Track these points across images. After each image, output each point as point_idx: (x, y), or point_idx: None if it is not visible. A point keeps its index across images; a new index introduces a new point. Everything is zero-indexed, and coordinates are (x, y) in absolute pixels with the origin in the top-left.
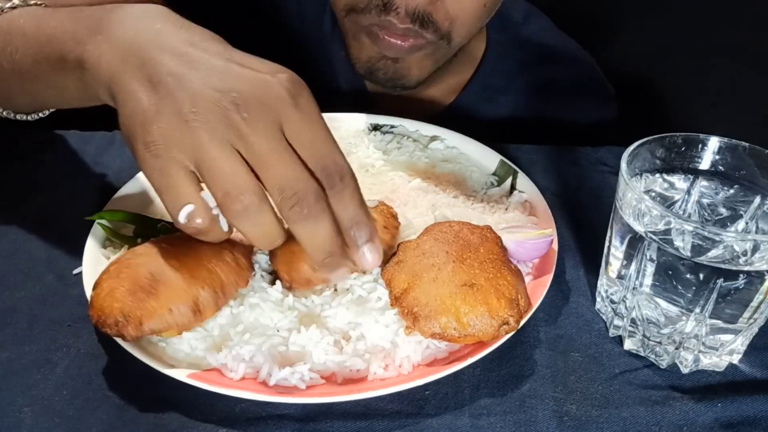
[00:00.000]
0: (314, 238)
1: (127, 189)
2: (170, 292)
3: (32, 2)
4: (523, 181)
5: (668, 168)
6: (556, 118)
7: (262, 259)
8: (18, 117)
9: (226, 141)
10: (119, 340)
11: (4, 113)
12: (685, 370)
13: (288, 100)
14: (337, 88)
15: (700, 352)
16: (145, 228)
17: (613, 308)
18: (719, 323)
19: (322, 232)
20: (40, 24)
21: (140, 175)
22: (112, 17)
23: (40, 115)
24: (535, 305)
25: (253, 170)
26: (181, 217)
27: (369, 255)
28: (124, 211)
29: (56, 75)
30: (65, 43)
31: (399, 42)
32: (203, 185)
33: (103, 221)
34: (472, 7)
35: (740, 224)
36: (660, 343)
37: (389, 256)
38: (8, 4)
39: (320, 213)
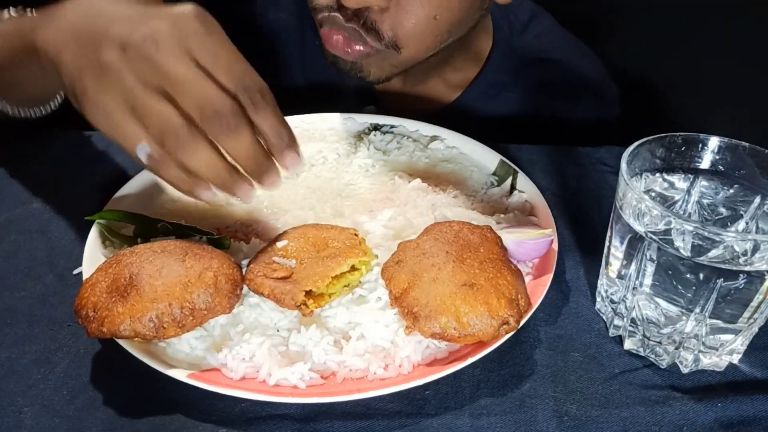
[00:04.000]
0: (239, 148)
1: (127, 189)
2: (137, 300)
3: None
4: (523, 181)
5: (668, 168)
6: (560, 115)
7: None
8: (22, 113)
9: (145, 79)
10: (119, 341)
11: (9, 110)
12: (685, 370)
13: (198, 29)
14: (342, 82)
15: (700, 352)
16: (145, 228)
17: (613, 308)
18: (719, 323)
19: (245, 141)
20: (16, 25)
21: (140, 175)
22: (61, 7)
23: (42, 111)
24: (535, 305)
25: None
26: (141, 156)
27: (289, 157)
28: (124, 211)
29: (23, 65)
30: (26, 35)
31: (344, 48)
32: None
33: (103, 221)
34: (420, 19)
35: (740, 224)
36: (660, 343)
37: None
38: (6, 16)
39: (240, 126)
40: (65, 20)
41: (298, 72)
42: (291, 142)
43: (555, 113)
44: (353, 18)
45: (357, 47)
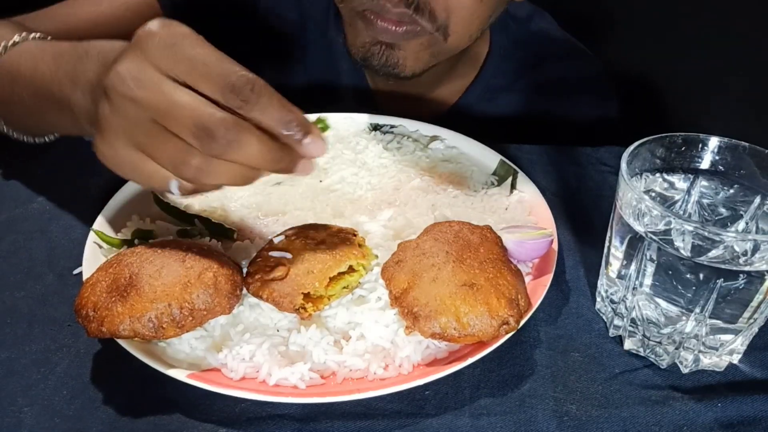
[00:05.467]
0: (247, 157)
1: (126, 189)
2: (137, 300)
3: (31, 36)
4: (523, 181)
5: (668, 168)
6: (558, 115)
7: None
8: (27, 139)
9: (137, 119)
10: (119, 341)
11: (20, 136)
12: (685, 370)
13: (162, 43)
14: (341, 89)
15: (700, 352)
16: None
17: (613, 308)
18: (719, 323)
19: (251, 149)
20: (35, 68)
21: None
22: (83, 68)
23: (46, 139)
24: (535, 305)
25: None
26: (173, 190)
27: (312, 145)
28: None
29: (53, 113)
30: (53, 91)
31: (393, 27)
32: None
33: (97, 228)
34: (469, 1)
35: (740, 224)
36: (660, 343)
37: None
38: (10, 42)
39: (239, 135)
40: (85, 76)
41: (300, 73)
42: (303, 128)
43: (554, 114)
44: (400, 3)
45: (404, 27)
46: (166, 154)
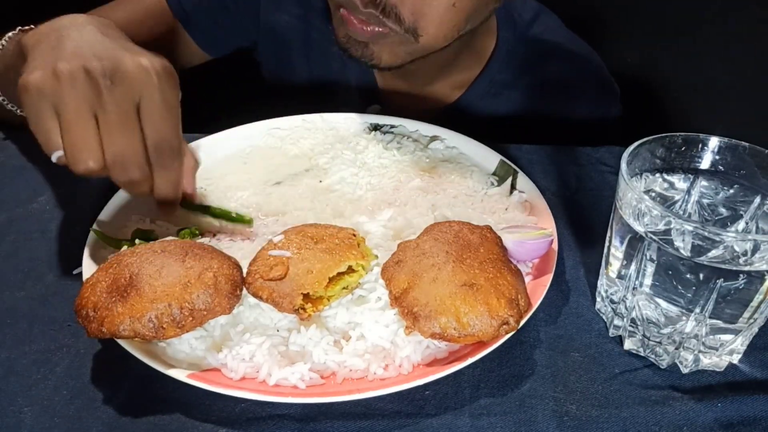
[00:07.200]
0: (132, 192)
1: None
2: (137, 300)
3: (27, 28)
4: (523, 181)
5: (668, 168)
6: (561, 114)
7: None
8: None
9: (86, 102)
10: (119, 341)
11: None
12: (685, 370)
13: (153, 82)
14: (346, 82)
15: (700, 352)
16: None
17: (613, 308)
18: (719, 323)
19: (136, 192)
20: (3, 54)
21: None
22: (56, 18)
23: None
24: (535, 305)
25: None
26: (54, 159)
27: (164, 212)
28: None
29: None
30: (20, 41)
31: (361, 27)
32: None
33: (97, 228)
34: (440, 6)
35: (740, 224)
36: (660, 343)
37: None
38: (8, 34)
39: (139, 182)
40: (50, 25)
41: (303, 72)
42: (172, 204)
43: (557, 111)
44: (370, 3)
45: (373, 27)
46: (72, 141)
